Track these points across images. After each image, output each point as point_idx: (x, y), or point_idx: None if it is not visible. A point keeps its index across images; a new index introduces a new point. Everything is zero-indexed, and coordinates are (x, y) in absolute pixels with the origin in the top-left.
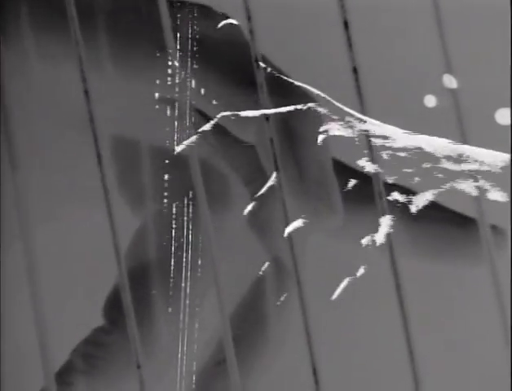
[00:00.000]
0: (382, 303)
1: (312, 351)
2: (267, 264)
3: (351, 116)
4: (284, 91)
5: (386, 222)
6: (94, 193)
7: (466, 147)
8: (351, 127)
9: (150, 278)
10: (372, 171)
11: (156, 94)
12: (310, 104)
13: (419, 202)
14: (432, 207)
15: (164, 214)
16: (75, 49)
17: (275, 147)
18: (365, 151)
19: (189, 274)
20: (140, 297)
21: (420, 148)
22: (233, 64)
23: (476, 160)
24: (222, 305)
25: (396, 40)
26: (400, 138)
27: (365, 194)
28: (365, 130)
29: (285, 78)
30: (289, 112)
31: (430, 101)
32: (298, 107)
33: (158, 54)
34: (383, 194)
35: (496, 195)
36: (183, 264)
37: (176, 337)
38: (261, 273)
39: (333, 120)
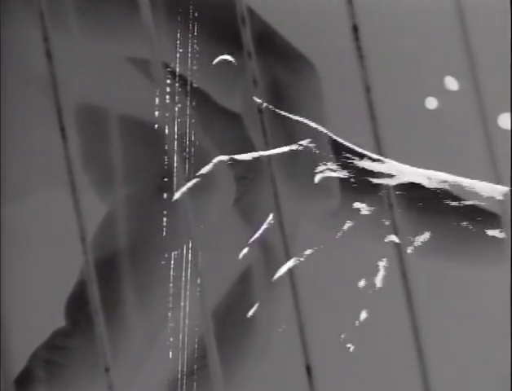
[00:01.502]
0: (386, 295)
1: (306, 346)
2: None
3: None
4: (275, 53)
5: None
6: (58, 172)
7: (466, 180)
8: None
9: (119, 271)
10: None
11: (127, 56)
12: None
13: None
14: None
15: (136, 199)
16: (36, 2)
17: (265, 117)
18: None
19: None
20: (108, 292)
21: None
22: (215, 21)
23: (475, 194)
24: (204, 302)
25: (397, 41)
26: (404, 173)
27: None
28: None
29: (278, 36)
30: (281, 76)
31: (432, 103)
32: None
33: (131, 10)
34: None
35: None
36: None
37: (149, 337)
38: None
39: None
